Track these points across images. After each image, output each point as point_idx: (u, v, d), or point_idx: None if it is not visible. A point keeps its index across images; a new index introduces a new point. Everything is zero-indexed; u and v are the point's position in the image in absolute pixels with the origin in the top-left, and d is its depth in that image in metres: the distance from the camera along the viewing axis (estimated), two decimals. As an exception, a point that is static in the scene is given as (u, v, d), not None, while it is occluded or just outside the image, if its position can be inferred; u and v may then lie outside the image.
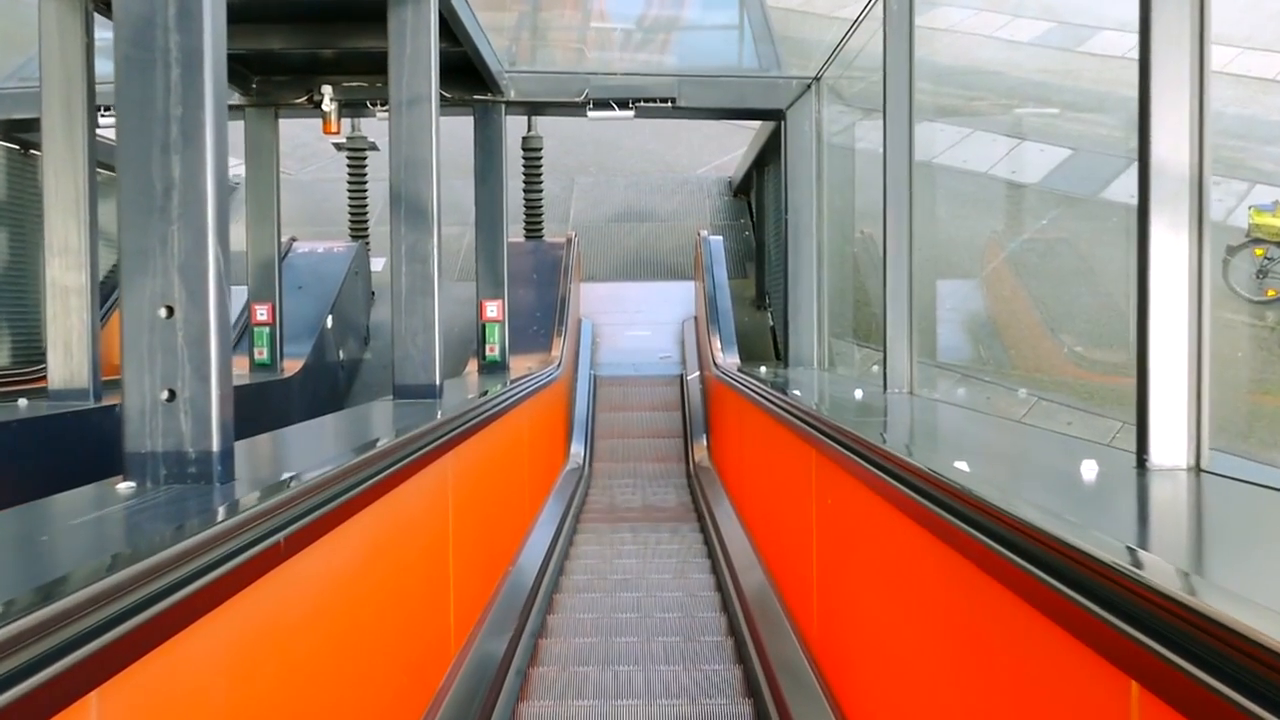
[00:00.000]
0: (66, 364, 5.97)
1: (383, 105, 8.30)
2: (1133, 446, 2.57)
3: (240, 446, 2.94)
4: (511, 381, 7.37)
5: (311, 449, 3.17)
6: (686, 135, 16.77)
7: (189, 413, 2.62)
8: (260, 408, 8.30)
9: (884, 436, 2.79)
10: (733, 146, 15.81)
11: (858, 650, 3.04)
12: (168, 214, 2.51)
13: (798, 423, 3.82)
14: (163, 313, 2.54)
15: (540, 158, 12.10)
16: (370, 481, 2.60)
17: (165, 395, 2.57)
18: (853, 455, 2.88)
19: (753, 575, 5.10)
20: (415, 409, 5.01)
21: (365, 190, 12.86)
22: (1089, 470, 2.51)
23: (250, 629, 2.00)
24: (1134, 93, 2.66)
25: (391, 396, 5.41)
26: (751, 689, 4.22)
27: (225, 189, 2.57)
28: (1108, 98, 16.05)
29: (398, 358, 5.53)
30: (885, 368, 5.50)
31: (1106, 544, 1.63)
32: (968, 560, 2.14)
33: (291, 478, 2.38)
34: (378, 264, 12.27)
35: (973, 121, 14.98)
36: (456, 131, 8.98)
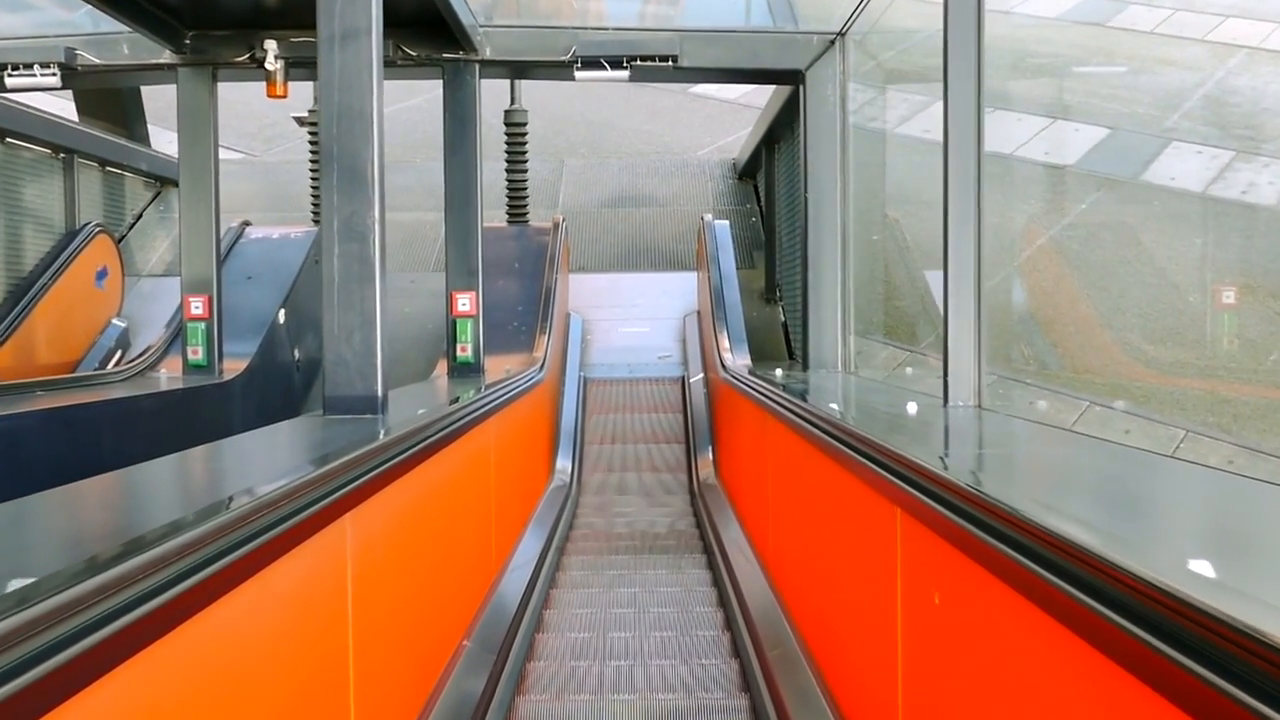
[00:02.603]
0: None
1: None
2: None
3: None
4: (486, 387, 6.19)
5: (83, 527, 1.95)
6: (686, 115, 15.56)
7: None
8: (191, 417, 7.09)
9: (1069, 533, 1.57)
10: (736, 127, 14.60)
11: None
12: None
13: (867, 464, 2.62)
14: None
15: (525, 133, 10.88)
16: (135, 612, 1.40)
17: None
18: (1005, 549, 1.67)
19: (785, 649, 3.90)
20: (346, 429, 3.85)
21: (331, 170, 11.59)
22: None
23: None
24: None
25: (322, 411, 4.23)
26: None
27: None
28: (1141, 74, 14.87)
29: (329, 363, 4.34)
30: (946, 376, 4.35)
31: None
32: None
33: None
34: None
35: (994, 100, 13.81)
36: (437, 111, 7.85)
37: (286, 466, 2.55)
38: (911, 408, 4.47)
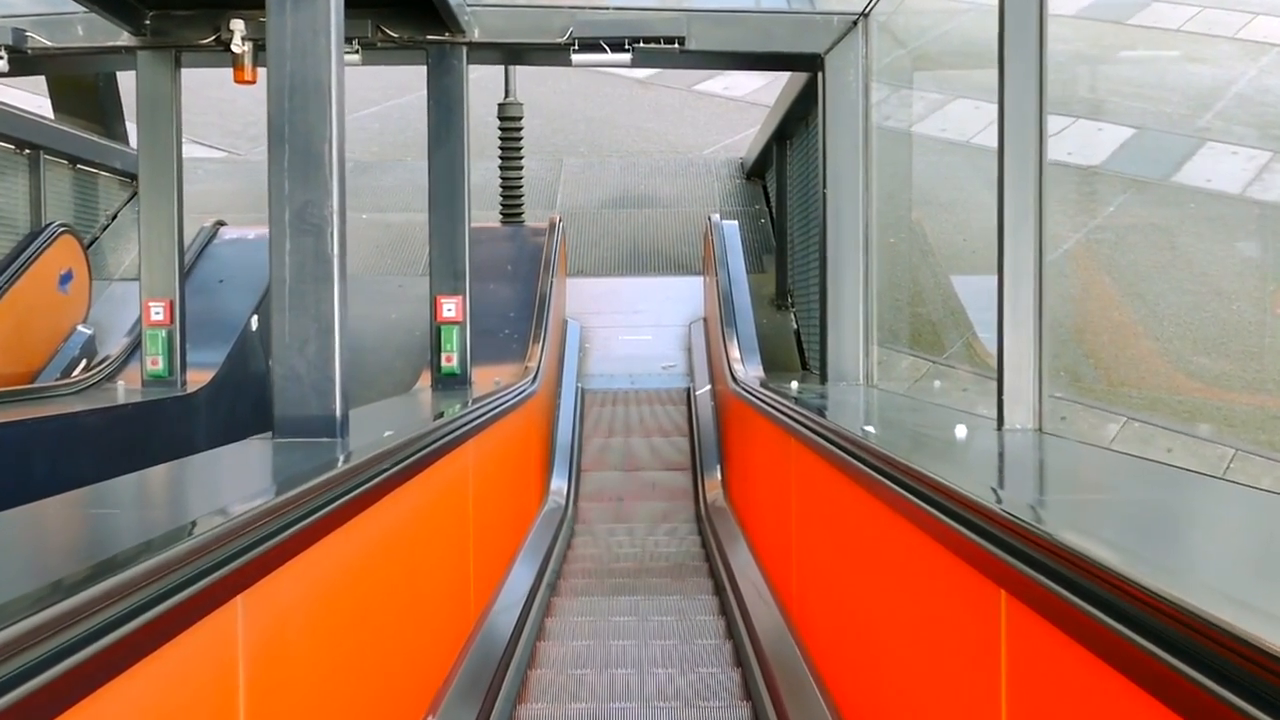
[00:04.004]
0: None
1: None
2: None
3: None
4: (471, 400, 5.55)
5: None
6: (691, 113, 14.92)
7: None
8: (145, 435, 6.42)
9: None
10: (743, 125, 13.95)
11: None
12: None
13: (955, 526, 1.96)
14: None
15: (520, 128, 10.23)
16: None
17: None
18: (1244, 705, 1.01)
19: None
20: (296, 456, 3.24)
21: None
22: None
23: None
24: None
25: (271, 434, 3.60)
26: None
27: None
28: (1168, 72, 14.23)
29: (278, 376, 3.71)
30: (1001, 396, 3.71)
31: None
32: None
33: None
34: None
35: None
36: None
37: (167, 527, 1.88)
38: (959, 432, 3.80)
